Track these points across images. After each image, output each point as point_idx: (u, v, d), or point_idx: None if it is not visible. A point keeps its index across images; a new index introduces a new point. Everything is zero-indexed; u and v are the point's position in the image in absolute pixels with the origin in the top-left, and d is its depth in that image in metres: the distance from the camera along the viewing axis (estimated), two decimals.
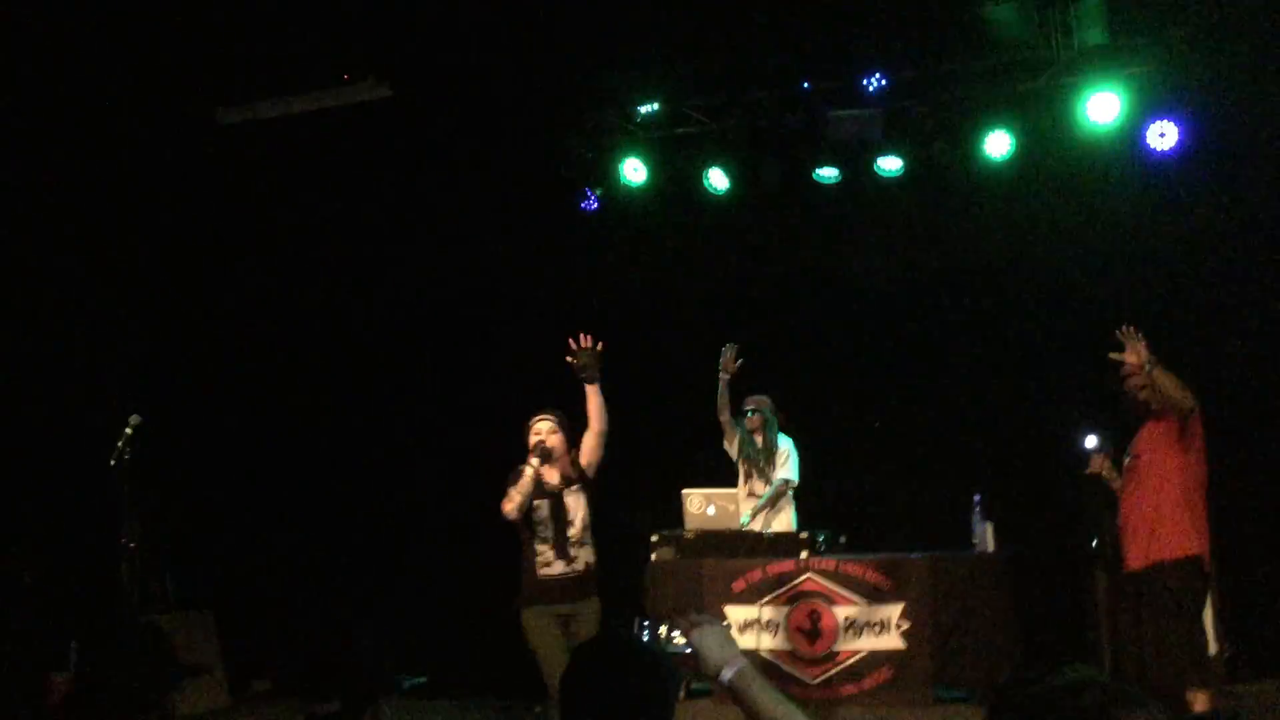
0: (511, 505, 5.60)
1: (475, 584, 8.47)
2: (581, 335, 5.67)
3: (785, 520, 7.42)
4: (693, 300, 8.54)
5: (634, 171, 8.44)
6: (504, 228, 8.63)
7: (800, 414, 7.68)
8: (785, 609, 6.96)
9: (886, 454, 8.29)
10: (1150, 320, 5.90)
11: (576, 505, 5.73)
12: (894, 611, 6.83)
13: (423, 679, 8.33)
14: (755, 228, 8.36)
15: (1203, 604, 5.82)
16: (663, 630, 4.22)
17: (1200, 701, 5.68)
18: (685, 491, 7.35)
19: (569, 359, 5.65)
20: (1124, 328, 5.70)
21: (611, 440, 5.73)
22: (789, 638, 6.93)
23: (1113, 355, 5.71)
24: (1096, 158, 7.66)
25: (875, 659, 6.81)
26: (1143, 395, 5.90)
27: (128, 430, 6.06)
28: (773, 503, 7.44)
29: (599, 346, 5.66)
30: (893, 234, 8.35)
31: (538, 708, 8.07)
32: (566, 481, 5.74)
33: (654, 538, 7.46)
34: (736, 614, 7.03)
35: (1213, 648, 5.85)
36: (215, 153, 8.40)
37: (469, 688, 7.93)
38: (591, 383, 5.66)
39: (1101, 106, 7.46)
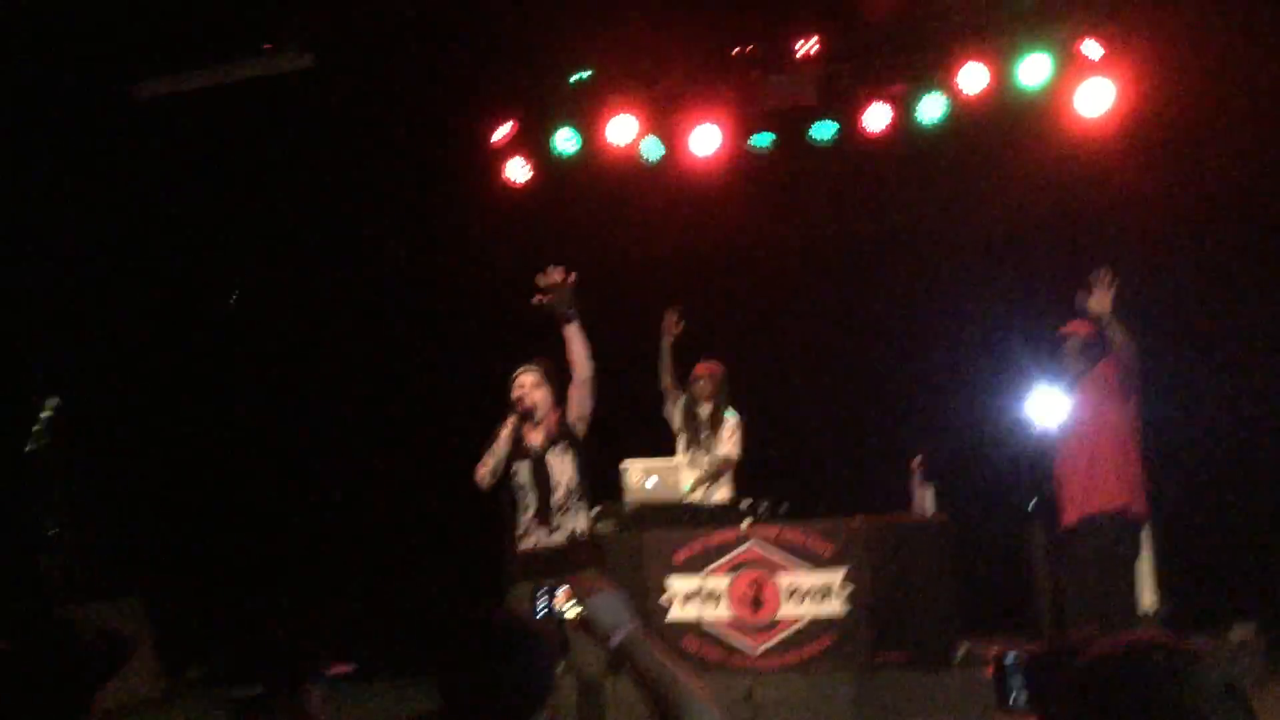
0: (484, 470, 5.05)
1: (414, 563, 8.40)
2: (548, 268, 5.02)
3: (724, 494, 7.37)
4: (628, 269, 8.43)
5: (565, 141, 8.30)
6: (432, 200, 8.46)
7: (739, 380, 7.62)
8: (728, 578, 6.91)
9: (826, 419, 8.27)
10: (1082, 282, 5.90)
11: (562, 467, 5.09)
12: (835, 577, 6.80)
13: (349, 666, 8.17)
14: (689, 195, 8.25)
15: (1135, 556, 5.87)
16: (559, 596, 4.08)
17: None
18: (625, 463, 7.25)
19: (536, 298, 5.02)
20: (1101, 271, 5.64)
21: (601, 387, 5.11)
22: (732, 607, 6.88)
23: (1080, 294, 5.66)
24: (1028, 120, 7.67)
25: (817, 626, 6.78)
26: (1081, 353, 5.94)
27: (44, 414, 5.84)
28: (714, 478, 7.37)
29: (570, 279, 5.00)
30: (828, 199, 8.29)
31: None
32: (551, 440, 5.12)
33: (594, 510, 7.36)
34: (679, 585, 6.97)
35: (1149, 600, 5.89)
36: (130, 128, 8.13)
37: (407, 669, 7.83)
38: (568, 321, 5.01)
39: (1033, 68, 7.47)
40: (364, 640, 7.98)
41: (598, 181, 8.31)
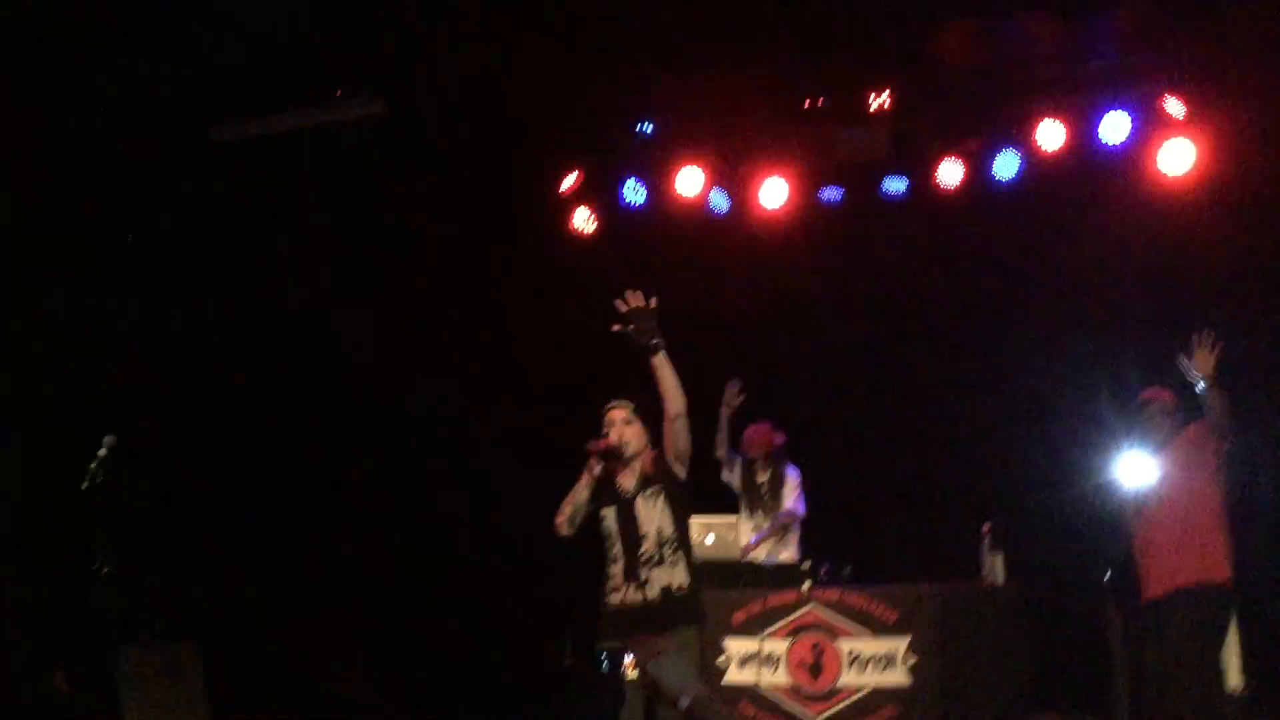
0: (561, 518, 4.56)
1: (478, 612, 8.31)
2: (629, 292, 4.48)
3: (789, 553, 7.18)
4: (696, 324, 8.30)
5: (632, 192, 8.26)
6: (500, 249, 8.43)
7: (805, 440, 7.46)
8: (787, 642, 6.68)
9: (894, 481, 8.05)
10: (1165, 343, 5.68)
11: (650, 514, 4.52)
12: (900, 645, 6.55)
13: None
14: (757, 248, 8.14)
15: (1225, 635, 5.57)
16: (627, 660, 3.79)
17: None
18: None
19: (616, 326, 4.48)
20: (1202, 334, 5.39)
21: (697, 423, 4.58)
22: (790, 672, 6.65)
23: (1181, 358, 5.42)
24: (1107, 179, 7.49)
25: (880, 696, 6.53)
26: (1163, 420, 5.71)
27: (102, 452, 5.81)
28: (779, 535, 7.18)
29: (652, 303, 4.45)
30: (902, 255, 8.12)
31: None
32: (643, 484, 4.57)
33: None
34: (736, 647, 6.76)
35: (1235, 681, 5.59)
36: (208, 169, 8.23)
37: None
38: (653, 352, 4.41)
39: (1113, 126, 7.30)
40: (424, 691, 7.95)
41: (665, 232, 8.24)
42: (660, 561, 4.49)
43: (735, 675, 6.73)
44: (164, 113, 7.75)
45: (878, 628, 6.59)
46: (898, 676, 6.52)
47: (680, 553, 4.53)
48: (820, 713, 6.58)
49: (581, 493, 4.55)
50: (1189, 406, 5.66)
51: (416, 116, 8.04)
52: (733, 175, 8.08)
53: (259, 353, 8.88)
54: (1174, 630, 5.54)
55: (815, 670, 6.63)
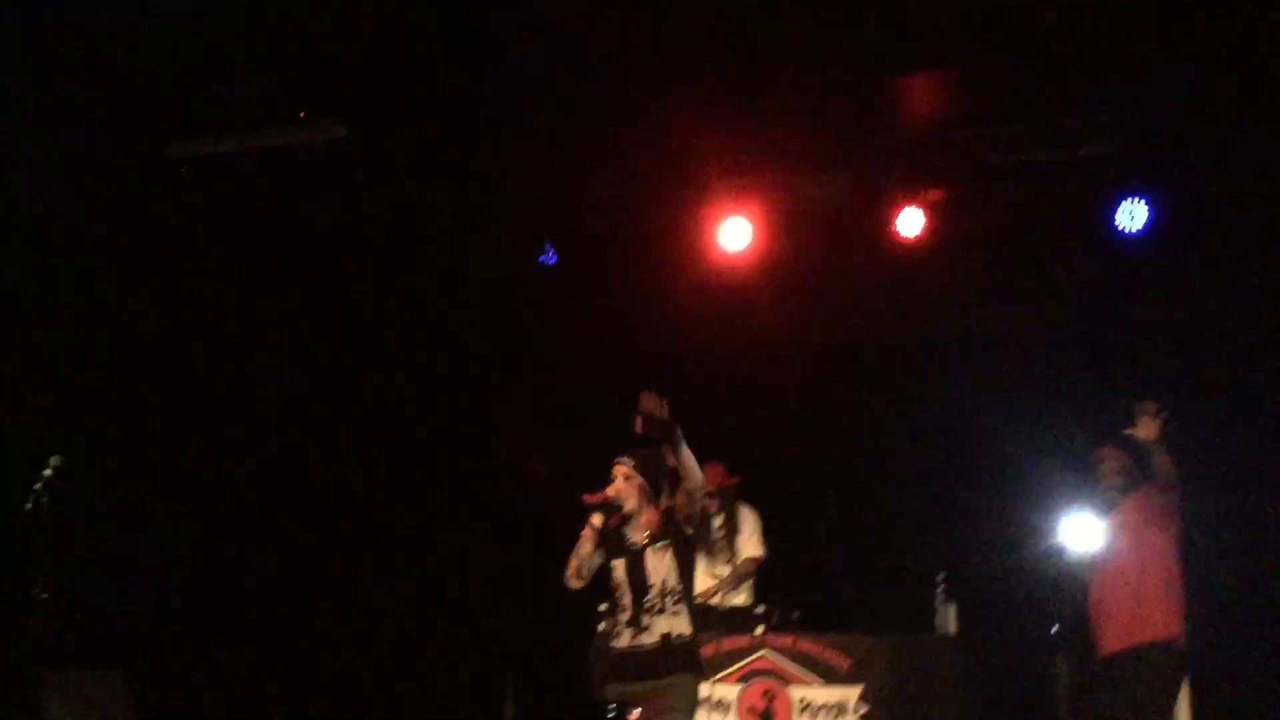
0: (569, 572, 4.77)
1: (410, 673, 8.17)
2: (644, 397, 4.64)
3: (743, 596, 7.12)
4: (650, 360, 8.31)
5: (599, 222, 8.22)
6: (462, 277, 8.35)
7: (757, 484, 7.42)
8: (738, 687, 6.62)
9: (848, 530, 8.03)
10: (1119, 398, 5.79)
11: (659, 565, 4.73)
12: (852, 694, 6.54)
13: None
14: (716, 286, 8.13)
15: (1177, 692, 5.64)
16: (634, 714, 3.88)
17: None
18: None
19: (637, 425, 4.67)
20: (1146, 403, 5.57)
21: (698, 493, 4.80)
22: (741, 718, 6.60)
23: (1126, 430, 5.56)
24: (1063, 237, 7.60)
25: None
26: (1117, 479, 5.81)
27: (47, 472, 5.61)
28: (739, 580, 7.11)
29: (665, 407, 4.64)
30: (858, 303, 8.15)
31: None
32: (652, 538, 4.77)
33: (601, 607, 7.10)
34: None
35: None
36: (165, 187, 8.06)
37: None
38: (674, 446, 4.67)
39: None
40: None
41: (624, 269, 8.22)
42: (663, 610, 4.68)
43: None
44: (122, 129, 7.57)
45: (830, 676, 6.57)
46: None
47: (683, 604, 4.72)
48: None
49: (585, 546, 4.73)
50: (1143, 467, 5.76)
51: (377, 140, 7.93)
52: (695, 215, 8.06)
53: (202, 376, 8.68)
54: (1126, 686, 5.63)
55: (766, 717, 6.58)
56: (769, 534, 7.21)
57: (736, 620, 6.85)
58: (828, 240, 7.97)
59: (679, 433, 4.63)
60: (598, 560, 4.79)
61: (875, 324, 8.13)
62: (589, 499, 4.75)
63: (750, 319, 8.15)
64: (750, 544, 7.10)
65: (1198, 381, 7.18)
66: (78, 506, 7.20)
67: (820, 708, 6.57)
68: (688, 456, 4.67)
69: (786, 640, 6.65)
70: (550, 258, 8.24)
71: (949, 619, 6.74)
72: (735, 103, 7.43)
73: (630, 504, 4.79)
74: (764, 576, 7.21)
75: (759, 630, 6.69)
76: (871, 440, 8.14)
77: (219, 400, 8.64)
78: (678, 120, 7.47)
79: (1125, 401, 5.68)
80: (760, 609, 6.86)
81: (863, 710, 6.50)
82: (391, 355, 8.68)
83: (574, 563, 4.75)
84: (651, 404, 4.61)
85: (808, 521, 7.95)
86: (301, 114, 7.69)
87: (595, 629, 6.92)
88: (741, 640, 6.67)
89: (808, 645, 6.65)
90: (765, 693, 6.60)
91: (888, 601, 7.35)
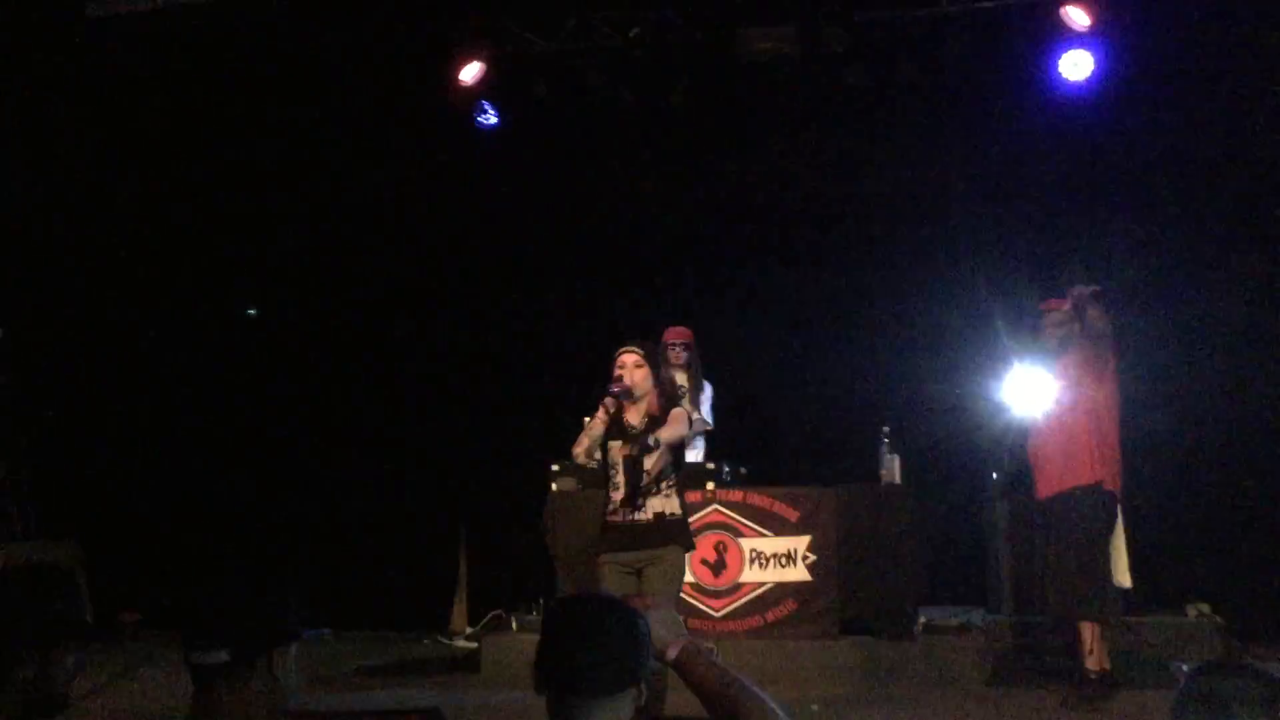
0: (579, 449, 5.12)
1: (366, 523, 8.21)
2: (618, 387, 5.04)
3: (696, 453, 7.21)
4: (600, 222, 8.25)
5: (537, 87, 8.04)
6: (395, 143, 8.16)
7: (705, 344, 7.47)
8: None
9: (795, 387, 8.14)
10: (1059, 255, 5.86)
11: (652, 450, 5.00)
12: (800, 543, 6.74)
13: (326, 630, 8.03)
14: (663, 147, 8.04)
15: (1110, 535, 5.87)
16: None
17: (1089, 633, 5.76)
18: (589, 419, 7.09)
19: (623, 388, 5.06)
20: (1073, 266, 5.71)
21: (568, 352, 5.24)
22: (693, 570, 6.75)
23: (1047, 302, 5.67)
24: (1009, 87, 7.56)
25: (781, 591, 6.72)
26: (1061, 330, 5.91)
27: None
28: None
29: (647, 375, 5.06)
30: (805, 159, 8.11)
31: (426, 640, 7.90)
32: (651, 424, 5.07)
33: (555, 466, 7.22)
34: None
35: (1126, 580, 5.90)
36: (83, 48, 7.73)
37: (370, 624, 7.71)
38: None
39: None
40: (323, 594, 7.87)
41: (570, 130, 8.09)
42: (657, 492, 5.05)
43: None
44: None
45: (779, 527, 6.75)
46: (798, 573, 6.71)
47: (674, 488, 5.11)
48: (722, 608, 6.75)
49: (597, 428, 5.06)
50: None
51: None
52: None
53: (140, 247, 8.49)
54: (1058, 528, 5.86)
55: (718, 567, 6.78)
56: (722, 396, 7.30)
57: (688, 477, 6.95)
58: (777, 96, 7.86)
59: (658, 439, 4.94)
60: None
61: (818, 181, 8.11)
62: (615, 388, 5.04)
63: (692, 179, 8.11)
64: (704, 410, 7.18)
65: (1138, 242, 7.30)
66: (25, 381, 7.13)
67: (770, 557, 6.76)
68: (700, 421, 5.19)
69: (737, 495, 6.81)
70: (489, 120, 8.06)
71: (895, 470, 6.91)
72: None
73: (640, 390, 5.09)
74: (715, 434, 7.31)
75: (710, 486, 6.83)
76: (819, 300, 8.19)
77: (148, 274, 8.46)
78: None
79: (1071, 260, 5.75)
80: (710, 465, 6.98)
81: (810, 559, 6.71)
82: (326, 233, 8.51)
83: (585, 442, 5.07)
84: (623, 386, 5.01)
85: (757, 382, 8.04)
86: None
87: (548, 484, 7.10)
88: (694, 496, 6.79)
89: (757, 499, 6.82)
90: (717, 545, 6.78)
91: (835, 454, 7.50)
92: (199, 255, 8.52)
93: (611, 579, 5.04)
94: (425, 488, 8.25)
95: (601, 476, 6.61)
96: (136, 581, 8.21)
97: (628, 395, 5.06)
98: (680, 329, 7.13)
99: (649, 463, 5.02)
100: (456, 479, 8.22)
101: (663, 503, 5.07)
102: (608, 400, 5.04)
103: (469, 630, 7.87)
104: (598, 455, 5.16)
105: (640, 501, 5.02)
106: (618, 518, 5.07)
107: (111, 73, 7.94)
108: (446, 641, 7.88)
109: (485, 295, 8.43)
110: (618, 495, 5.07)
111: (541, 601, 7.45)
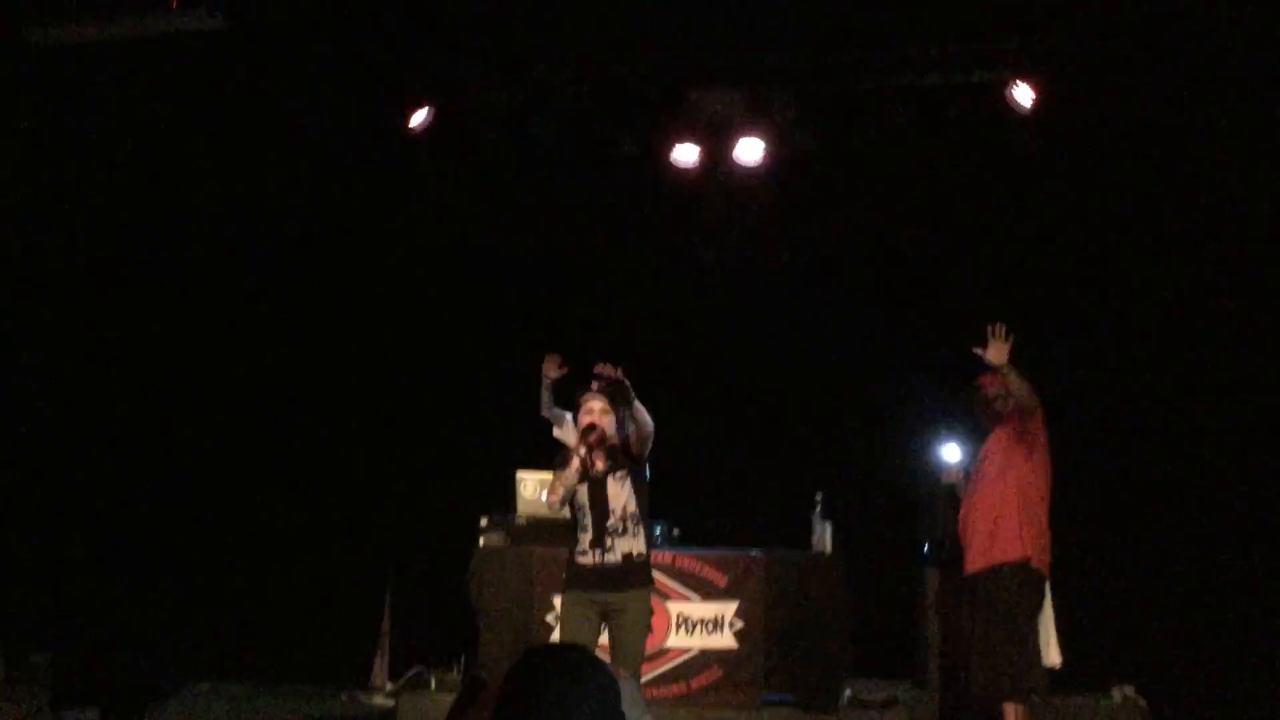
0: (555, 497, 5.32)
1: (289, 572, 7.99)
2: (603, 367, 5.20)
3: None
4: (534, 272, 8.18)
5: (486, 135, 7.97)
6: (338, 177, 8.06)
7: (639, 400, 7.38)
8: None
9: (728, 449, 8.06)
10: (1002, 313, 5.83)
11: (619, 492, 5.25)
12: (728, 609, 6.65)
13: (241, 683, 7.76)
14: (608, 202, 8.01)
15: (1038, 611, 5.82)
16: None
17: (1012, 713, 5.69)
18: (520, 474, 6.99)
19: (596, 386, 5.32)
20: (995, 325, 5.64)
21: (657, 438, 5.33)
22: None
23: (976, 350, 5.63)
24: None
25: (706, 658, 6.62)
26: (996, 404, 5.90)
27: None
28: None
29: (621, 373, 5.18)
30: (747, 221, 8.11)
31: (343, 695, 7.67)
32: (614, 466, 5.27)
33: (483, 521, 7.09)
34: None
35: (1057, 659, 5.86)
36: (21, 76, 7.57)
37: (291, 676, 7.48)
38: (630, 402, 5.20)
39: None
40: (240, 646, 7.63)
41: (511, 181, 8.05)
42: (624, 532, 5.22)
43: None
44: None
45: (707, 592, 6.66)
46: (724, 640, 6.61)
47: (640, 527, 5.28)
48: (647, 673, 6.60)
49: (571, 475, 5.21)
50: None
51: (258, 33, 7.55)
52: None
53: (73, 280, 8.28)
54: (985, 603, 5.80)
55: None
56: (653, 456, 7.20)
57: None
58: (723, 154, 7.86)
59: (632, 392, 5.16)
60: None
61: (761, 244, 8.11)
62: (591, 437, 5.23)
63: (645, 231, 8.08)
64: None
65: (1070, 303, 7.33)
66: None
67: (697, 622, 6.66)
68: (641, 410, 5.21)
69: (666, 557, 6.71)
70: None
71: (826, 536, 6.85)
72: None
73: (610, 435, 5.28)
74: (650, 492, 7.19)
75: None
76: (753, 363, 8.13)
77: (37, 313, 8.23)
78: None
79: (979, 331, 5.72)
80: None
81: (738, 626, 6.61)
82: (274, 256, 8.37)
83: (560, 489, 5.24)
84: (608, 371, 5.15)
85: (689, 440, 7.94)
86: (174, 3, 7.28)
87: (476, 539, 6.97)
88: None
89: (686, 562, 6.72)
90: None
91: (767, 520, 7.42)
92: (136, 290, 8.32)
93: (570, 617, 5.16)
94: (351, 538, 8.05)
95: (546, 530, 6.70)
96: (50, 622, 7.92)
97: (603, 441, 5.24)
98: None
99: (615, 497, 5.19)
100: (383, 530, 8.03)
101: (630, 543, 5.23)
102: (580, 448, 5.23)
103: (389, 686, 7.65)
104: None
105: (608, 543, 5.18)
106: (587, 559, 5.22)
107: (53, 103, 7.80)
108: (364, 698, 7.65)
109: (412, 349, 8.30)
110: (586, 537, 5.22)
111: (464, 659, 7.28)
